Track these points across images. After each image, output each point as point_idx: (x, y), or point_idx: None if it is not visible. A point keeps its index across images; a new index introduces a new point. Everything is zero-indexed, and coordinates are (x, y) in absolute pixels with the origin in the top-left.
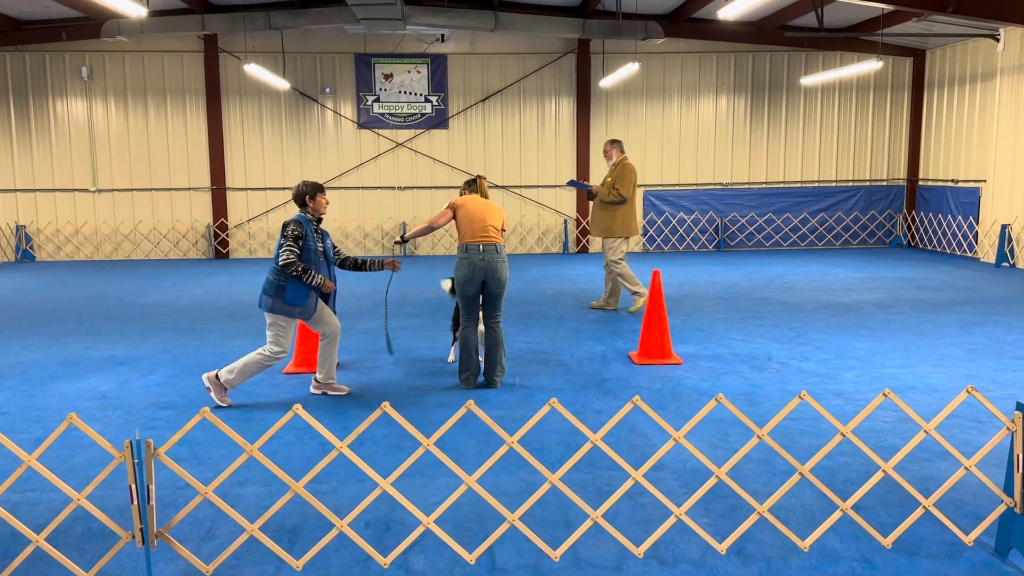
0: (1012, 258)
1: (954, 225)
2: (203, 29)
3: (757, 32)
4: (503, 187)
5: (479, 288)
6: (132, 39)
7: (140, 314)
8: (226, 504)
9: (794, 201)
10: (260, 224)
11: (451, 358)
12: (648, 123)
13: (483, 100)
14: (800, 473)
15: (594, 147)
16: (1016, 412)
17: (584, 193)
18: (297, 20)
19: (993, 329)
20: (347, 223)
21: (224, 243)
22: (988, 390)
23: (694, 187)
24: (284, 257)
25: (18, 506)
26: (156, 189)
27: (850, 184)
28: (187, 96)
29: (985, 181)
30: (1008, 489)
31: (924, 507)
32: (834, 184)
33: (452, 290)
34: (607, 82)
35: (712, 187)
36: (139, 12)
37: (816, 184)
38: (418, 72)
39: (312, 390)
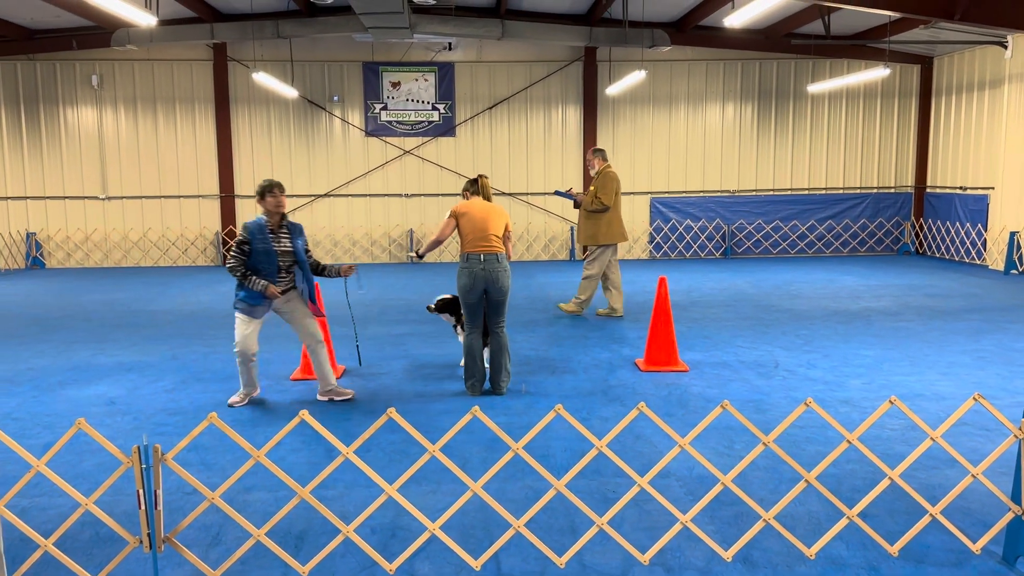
0: (1021, 265)
1: (962, 232)
2: (212, 38)
3: (764, 40)
4: (510, 194)
5: (481, 296)
6: (142, 48)
7: (149, 321)
8: (233, 509)
9: (801, 208)
10: None
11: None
12: (655, 130)
13: (490, 108)
14: (806, 480)
15: None
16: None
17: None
18: (305, 29)
19: (1002, 337)
20: (354, 230)
21: None
22: (996, 398)
23: (701, 194)
24: (227, 263)
25: (27, 511)
26: (165, 196)
27: (858, 191)
28: (196, 104)
29: (993, 188)
30: (1016, 497)
31: (931, 515)
32: (841, 191)
33: (431, 308)
34: (614, 90)
35: (719, 194)
36: (149, 21)
37: (823, 191)
38: (425, 80)
39: (319, 397)
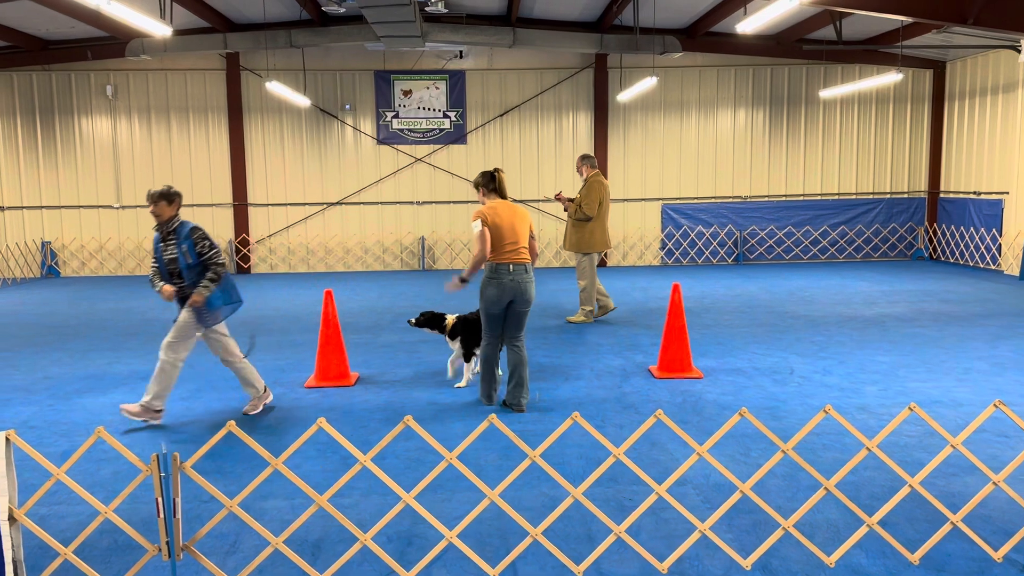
0: None
1: (976, 237)
2: (225, 48)
3: (775, 45)
4: (521, 201)
5: (505, 308)
6: (156, 58)
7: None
8: (250, 517)
9: (814, 214)
10: (281, 239)
11: (462, 383)
12: (666, 137)
13: (501, 115)
14: (825, 488)
15: (611, 161)
16: None
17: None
18: (318, 38)
19: (1019, 342)
20: (367, 238)
21: (246, 258)
22: (1016, 404)
23: (713, 200)
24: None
25: (46, 519)
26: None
27: (871, 196)
28: (209, 113)
29: (1008, 193)
30: None
31: (952, 523)
32: (854, 196)
33: (412, 322)
34: (625, 96)
35: (731, 200)
36: (163, 32)
37: (836, 197)
38: (437, 88)
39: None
